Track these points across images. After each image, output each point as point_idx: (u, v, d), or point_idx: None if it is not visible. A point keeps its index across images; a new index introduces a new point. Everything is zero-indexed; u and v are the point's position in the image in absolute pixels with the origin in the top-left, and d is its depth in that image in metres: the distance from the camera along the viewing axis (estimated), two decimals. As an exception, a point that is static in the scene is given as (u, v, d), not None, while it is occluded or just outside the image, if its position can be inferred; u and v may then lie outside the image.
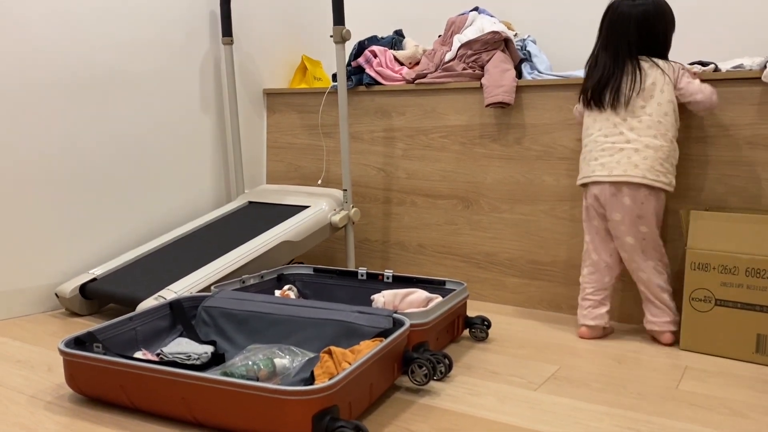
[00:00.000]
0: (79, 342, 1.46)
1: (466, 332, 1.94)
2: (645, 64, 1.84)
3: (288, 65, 2.95)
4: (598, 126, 1.88)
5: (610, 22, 1.88)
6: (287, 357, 1.48)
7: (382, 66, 2.53)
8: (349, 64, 2.57)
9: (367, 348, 1.40)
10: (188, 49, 2.53)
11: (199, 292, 1.92)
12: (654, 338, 1.91)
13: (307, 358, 1.48)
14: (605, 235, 1.91)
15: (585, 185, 1.92)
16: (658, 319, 1.88)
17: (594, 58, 1.92)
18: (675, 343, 1.86)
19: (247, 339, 1.65)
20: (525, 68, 2.34)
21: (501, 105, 2.20)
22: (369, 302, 1.81)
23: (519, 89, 2.23)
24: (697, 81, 1.86)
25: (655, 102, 1.81)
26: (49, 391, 1.49)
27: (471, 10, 2.48)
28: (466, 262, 2.39)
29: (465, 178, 2.37)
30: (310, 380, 1.31)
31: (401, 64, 2.57)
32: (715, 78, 1.92)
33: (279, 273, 2.09)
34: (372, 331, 1.51)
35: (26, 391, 1.49)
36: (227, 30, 2.58)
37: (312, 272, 2.12)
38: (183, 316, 1.73)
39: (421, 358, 1.50)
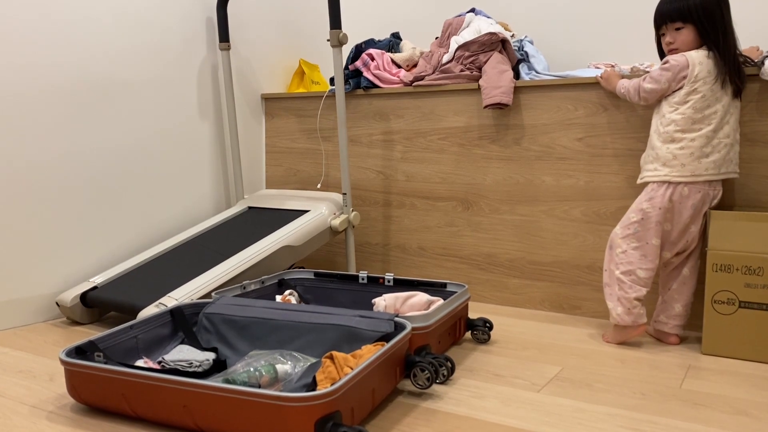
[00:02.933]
0: (80, 351, 1.46)
1: (468, 334, 1.94)
2: None
3: (285, 69, 2.95)
4: None
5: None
6: (289, 363, 1.48)
7: (379, 69, 2.53)
8: (346, 68, 2.56)
9: (369, 352, 1.39)
10: (185, 56, 2.53)
11: (199, 298, 1.92)
12: (658, 339, 1.90)
13: (308, 364, 1.48)
14: None
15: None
16: (671, 321, 1.87)
17: None
18: (680, 343, 1.87)
19: (248, 345, 1.64)
20: (522, 69, 2.34)
21: (499, 106, 2.20)
22: (370, 306, 1.80)
23: (517, 90, 2.23)
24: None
25: None
26: (50, 401, 1.49)
27: (468, 12, 2.48)
28: (467, 263, 2.39)
29: (464, 179, 2.37)
30: (312, 386, 1.30)
31: (399, 66, 2.57)
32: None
33: (280, 278, 2.08)
34: (374, 335, 1.51)
35: (28, 401, 1.49)
36: (224, 35, 2.58)
37: (313, 277, 2.11)
38: (184, 323, 1.73)
39: (423, 361, 1.49)
